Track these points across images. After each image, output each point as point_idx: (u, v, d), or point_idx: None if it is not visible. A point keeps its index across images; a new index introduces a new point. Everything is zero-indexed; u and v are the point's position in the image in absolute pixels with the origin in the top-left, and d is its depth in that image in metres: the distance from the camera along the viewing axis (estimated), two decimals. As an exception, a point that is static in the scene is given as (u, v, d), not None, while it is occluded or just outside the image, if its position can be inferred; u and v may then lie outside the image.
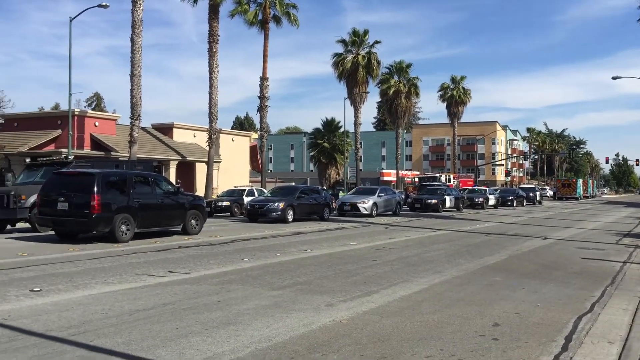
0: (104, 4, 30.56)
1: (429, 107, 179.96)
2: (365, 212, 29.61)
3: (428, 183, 50.66)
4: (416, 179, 67.09)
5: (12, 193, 17.76)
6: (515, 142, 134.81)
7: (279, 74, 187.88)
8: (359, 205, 29.87)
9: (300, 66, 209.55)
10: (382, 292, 8.74)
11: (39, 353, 5.43)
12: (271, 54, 44.20)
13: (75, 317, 6.86)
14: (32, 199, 17.39)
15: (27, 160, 22.50)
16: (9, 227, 19.23)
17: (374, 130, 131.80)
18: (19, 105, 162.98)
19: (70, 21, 31.12)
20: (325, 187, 47.22)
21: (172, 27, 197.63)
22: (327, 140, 55.68)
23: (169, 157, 42.22)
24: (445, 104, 74.57)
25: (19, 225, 19.40)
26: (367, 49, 54.92)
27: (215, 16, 39.02)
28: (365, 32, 55.46)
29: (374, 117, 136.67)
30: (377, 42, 55.27)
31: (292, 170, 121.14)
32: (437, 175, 65.66)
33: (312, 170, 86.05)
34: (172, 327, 6.46)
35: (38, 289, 8.52)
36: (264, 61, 43.64)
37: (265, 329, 6.40)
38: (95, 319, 6.82)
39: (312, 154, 59.35)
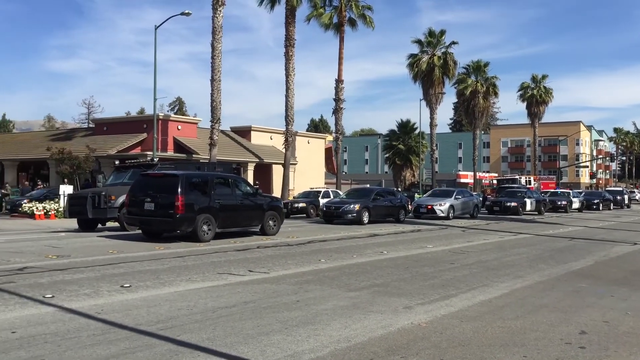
0: (186, 12, 31.75)
1: (508, 107, 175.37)
2: (442, 215, 29.17)
3: (507, 185, 49.26)
4: (494, 181, 65.38)
5: (103, 194, 18.78)
6: (601, 142, 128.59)
7: (353, 75, 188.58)
8: (435, 207, 29.47)
9: (375, 68, 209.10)
10: (461, 296, 8.60)
11: (130, 346, 5.73)
12: (346, 56, 44.47)
13: (162, 313, 7.18)
14: (121, 199, 18.30)
15: (116, 162, 23.71)
16: (99, 225, 20.36)
17: (450, 131, 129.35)
18: (107, 110, 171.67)
19: (156, 29, 32.51)
20: (400, 189, 46.87)
21: (249, 32, 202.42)
22: (402, 142, 55.21)
23: (247, 159, 43.25)
24: (525, 103, 72.26)
25: (109, 224, 20.49)
26: (444, 49, 54.11)
27: (292, 20, 39.63)
28: (442, 32, 54.70)
29: (450, 118, 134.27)
30: (454, 42, 54.47)
31: (367, 172, 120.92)
32: (517, 177, 63.65)
33: (386, 172, 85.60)
34: (253, 324, 6.65)
35: (128, 285, 8.98)
36: (339, 63, 43.92)
37: (344, 330, 6.46)
38: (181, 314, 7.11)
39: (387, 155, 59.05)
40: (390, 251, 14.57)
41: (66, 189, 29.12)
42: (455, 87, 60.09)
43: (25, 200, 30.88)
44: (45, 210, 28.15)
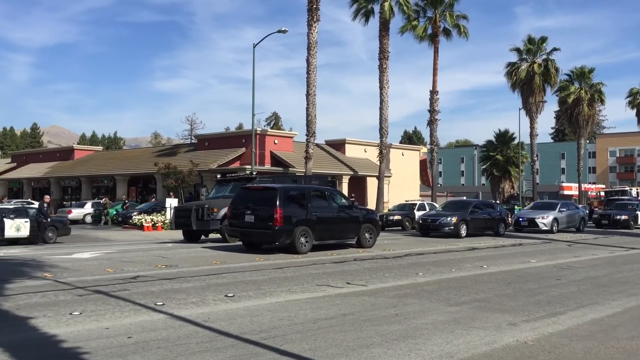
0: (283, 29, 32.66)
1: (616, 114, 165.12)
2: (545, 228, 27.91)
3: (616, 197, 46.29)
4: (602, 193, 61.71)
5: (206, 207, 19.62)
6: None
7: (448, 86, 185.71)
8: (537, 220, 28.26)
9: (470, 77, 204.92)
10: (569, 314, 8.19)
11: (236, 354, 5.93)
12: (440, 66, 43.70)
13: (265, 322, 7.38)
14: (223, 211, 19.03)
15: (218, 176, 24.70)
16: (203, 237, 21.26)
17: (552, 141, 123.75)
18: (208, 126, 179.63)
19: (254, 47, 33.66)
20: (499, 202, 45.40)
21: (342, 47, 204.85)
22: (500, 153, 53.47)
23: (342, 172, 43.58)
24: (634, 110, 67.75)
25: (212, 235, 21.35)
26: (544, 56, 52.06)
27: (386, 33, 39.69)
28: (543, 39, 52.63)
29: (552, 127, 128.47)
30: (555, 49, 52.19)
31: (463, 184, 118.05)
32: (627, 188, 59.74)
33: (483, 184, 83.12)
34: (353, 337, 6.68)
35: (232, 295, 9.31)
36: (434, 74, 43.37)
37: (445, 345, 6.35)
38: (283, 325, 7.27)
39: (484, 167, 57.41)
40: (491, 265, 14.13)
41: (172, 202, 30.66)
42: (557, 95, 57.54)
43: (134, 213, 32.82)
44: (153, 222, 29.77)
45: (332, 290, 10.00)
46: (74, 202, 48.37)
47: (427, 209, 31.66)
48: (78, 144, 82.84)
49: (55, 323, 7.12)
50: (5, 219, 20.85)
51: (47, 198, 23.71)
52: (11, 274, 11.53)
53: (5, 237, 20.78)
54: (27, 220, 21.45)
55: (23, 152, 72.05)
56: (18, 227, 21.01)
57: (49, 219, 22.27)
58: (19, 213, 21.85)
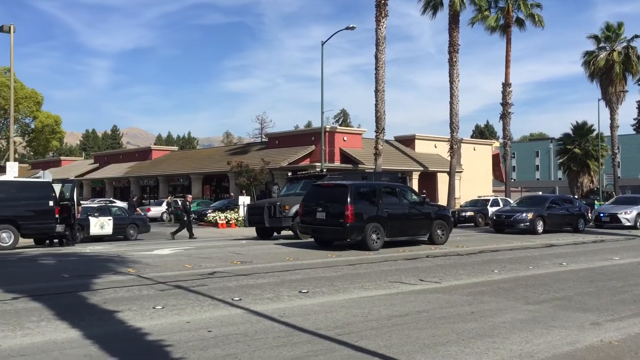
0: (351, 26, 32.68)
1: None
2: (628, 224, 26.62)
3: None
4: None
5: (278, 204, 19.96)
6: None
7: (520, 78, 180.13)
8: (619, 215, 27.01)
9: (544, 69, 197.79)
10: (657, 314, 7.80)
11: (312, 349, 6.02)
12: (513, 57, 42.38)
13: (339, 319, 7.44)
14: (294, 209, 19.30)
15: (289, 174, 25.01)
16: (275, 234, 21.63)
17: (634, 132, 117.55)
18: (277, 125, 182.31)
19: (322, 45, 33.86)
20: (577, 197, 43.63)
21: (410, 41, 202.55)
22: (577, 146, 51.31)
23: (411, 168, 43.16)
24: None
25: (283, 232, 21.69)
26: (624, 44, 49.49)
27: (456, 26, 38.95)
28: (620, 25, 50.02)
29: (634, 119, 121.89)
30: (636, 36, 49.42)
31: (538, 179, 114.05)
32: None
33: (560, 179, 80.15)
34: (428, 334, 6.63)
35: (305, 291, 9.44)
36: (506, 67, 42.18)
37: (525, 344, 6.19)
38: (357, 321, 7.31)
39: (560, 161, 55.28)
40: (570, 263, 13.63)
41: (245, 200, 31.37)
42: (638, 84, 54.59)
43: (209, 211, 33.80)
44: (226, 220, 30.56)
45: (405, 287, 9.95)
46: (152, 201, 50.33)
47: (501, 205, 30.91)
48: (155, 144, 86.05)
49: (140, 316, 7.46)
50: (90, 217, 21.98)
51: (189, 197, 25.11)
52: (98, 269, 12.16)
53: (91, 234, 21.91)
54: (110, 218, 22.53)
55: (104, 153, 75.57)
56: (102, 225, 22.11)
57: (192, 216, 23.96)
58: (102, 211, 22.99)
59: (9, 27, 27.67)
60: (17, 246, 18.20)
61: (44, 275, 11.54)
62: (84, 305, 8.25)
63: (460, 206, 35.96)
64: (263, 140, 62.57)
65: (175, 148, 76.26)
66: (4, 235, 17.70)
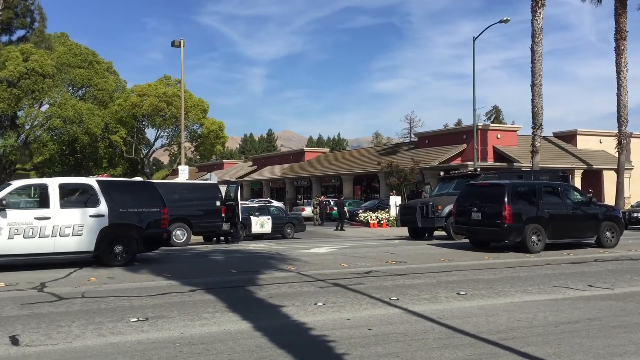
0: (505, 19, 31.38)
1: None
2: None
3: None
4: None
5: (431, 204, 19.77)
6: None
7: None
8: None
9: None
10: None
11: (474, 352, 5.89)
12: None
13: (501, 323, 7.20)
14: (447, 209, 18.99)
15: (441, 173, 24.66)
16: (427, 234, 21.43)
17: None
18: (426, 124, 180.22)
19: (474, 40, 32.92)
20: None
21: (568, 31, 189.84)
22: None
23: (573, 166, 40.46)
24: None
25: (436, 232, 21.42)
26: None
27: (623, 11, 35.81)
28: None
29: None
30: None
31: None
32: None
33: None
34: (602, 344, 6.19)
35: (464, 293, 9.25)
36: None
37: None
38: (521, 326, 7.03)
39: None
40: None
41: (396, 200, 31.46)
42: None
43: (360, 210, 34.35)
44: (378, 220, 30.85)
45: (572, 292, 9.36)
46: (305, 201, 52.28)
47: (681, 205, 27.82)
48: (306, 146, 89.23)
49: (303, 312, 7.80)
50: (251, 217, 23.40)
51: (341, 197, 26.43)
52: (261, 266, 12.91)
53: (252, 232, 23.31)
54: (269, 217, 23.80)
55: (261, 155, 79.91)
56: (262, 224, 23.43)
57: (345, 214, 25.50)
58: (262, 211, 24.36)
59: (179, 42, 30.34)
60: (189, 243, 19.94)
61: (214, 270, 12.50)
62: (251, 299, 8.81)
63: (631, 206, 32.94)
64: (412, 139, 62.23)
65: (327, 150, 78.47)
66: (178, 232, 19.47)
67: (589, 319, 7.42)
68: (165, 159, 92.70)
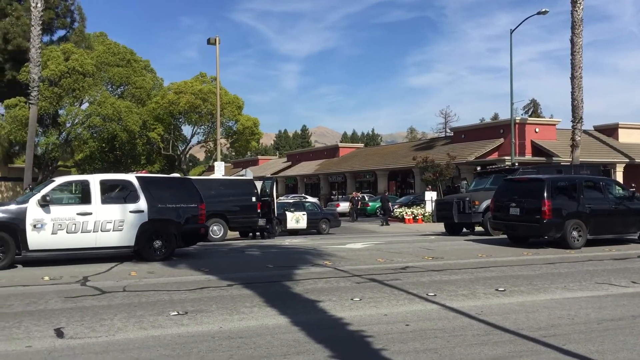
0: (543, 10, 30.74)
1: None
2: None
3: None
4: None
5: (467, 199, 19.53)
6: None
7: None
8: None
9: None
10: None
11: (515, 349, 5.81)
12: None
13: (542, 319, 7.08)
14: (485, 204, 18.74)
15: (478, 168, 24.34)
16: (464, 229, 21.20)
17: None
18: (462, 118, 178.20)
19: (511, 33, 32.35)
20: None
21: (607, 21, 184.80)
22: None
23: (615, 160, 39.46)
24: None
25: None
26: None
27: (667, -2, 34.63)
28: None
29: None
30: None
31: None
32: None
33: None
34: (647, 342, 6.04)
35: (502, 289, 9.13)
36: None
37: None
38: (562, 323, 6.90)
39: None
40: None
41: (432, 195, 31.20)
42: None
43: (396, 206, 34.19)
44: (413, 215, 30.66)
45: (615, 289, 9.14)
46: (340, 197, 52.26)
47: None
48: (340, 142, 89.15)
49: (340, 307, 7.81)
50: (287, 212, 23.52)
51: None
52: (297, 261, 12.97)
53: (287, 228, 23.43)
54: (304, 213, 23.88)
55: (296, 151, 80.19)
56: (297, 220, 23.52)
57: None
58: (297, 207, 24.46)
59: (215, 40, 30.65)
60: (225, 238, 20.16)
61: (251, 265, 12.62)
62: (288, 294, 8.86)
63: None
64: (447, 134, 61.54)
65: (361, 145, 78.24)
66: (215, 228, 19.70)
67: (633, 316, 7.24)
68: (201, 156, 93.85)
